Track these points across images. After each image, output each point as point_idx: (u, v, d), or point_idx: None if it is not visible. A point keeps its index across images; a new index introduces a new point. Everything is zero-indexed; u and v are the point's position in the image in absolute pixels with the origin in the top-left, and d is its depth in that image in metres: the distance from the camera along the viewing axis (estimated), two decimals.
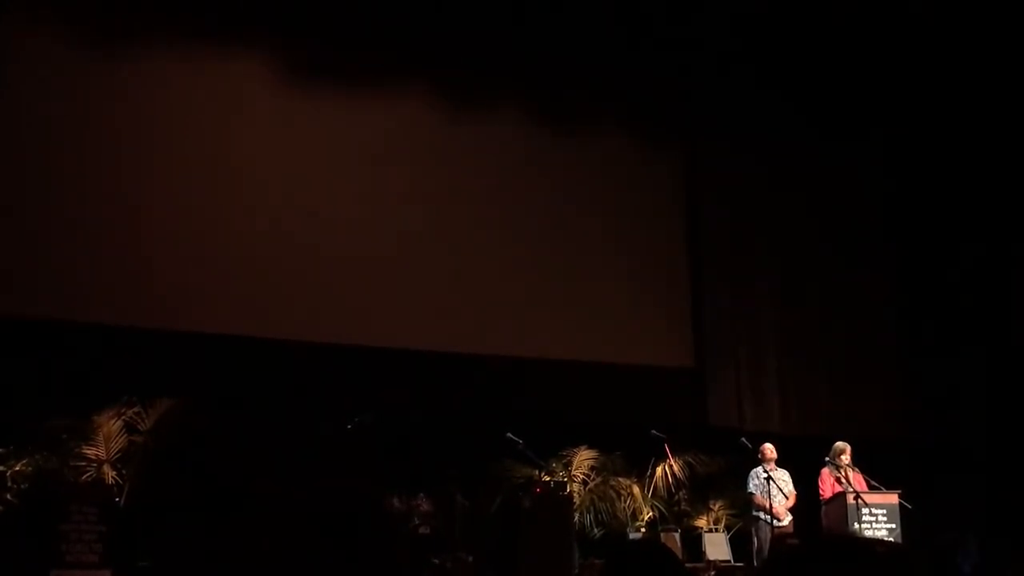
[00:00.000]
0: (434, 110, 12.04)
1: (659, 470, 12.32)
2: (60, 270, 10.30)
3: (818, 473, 10.97)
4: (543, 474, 11.44)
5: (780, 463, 11.12)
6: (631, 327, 12.43)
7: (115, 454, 10.30)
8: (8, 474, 9.77)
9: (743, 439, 11.25)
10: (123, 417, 10.45)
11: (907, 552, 9.05)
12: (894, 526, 10.13)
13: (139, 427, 10.49)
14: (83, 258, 10.39)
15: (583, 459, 12.28)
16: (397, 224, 11.66)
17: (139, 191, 10.67)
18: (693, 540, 11.70)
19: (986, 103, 13.06)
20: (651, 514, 12.25)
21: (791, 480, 11.11)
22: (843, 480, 10.65)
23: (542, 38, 12.33)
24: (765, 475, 10.79)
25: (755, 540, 11.06)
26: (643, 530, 11.90)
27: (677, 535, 11.43)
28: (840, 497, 10.42)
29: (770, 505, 10.67)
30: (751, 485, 11.03)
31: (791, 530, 10.96)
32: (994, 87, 12.94)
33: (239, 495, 10.06)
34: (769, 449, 11.11)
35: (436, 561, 10.22)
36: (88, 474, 10.12)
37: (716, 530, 11.94)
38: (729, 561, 11.15)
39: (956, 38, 12.77)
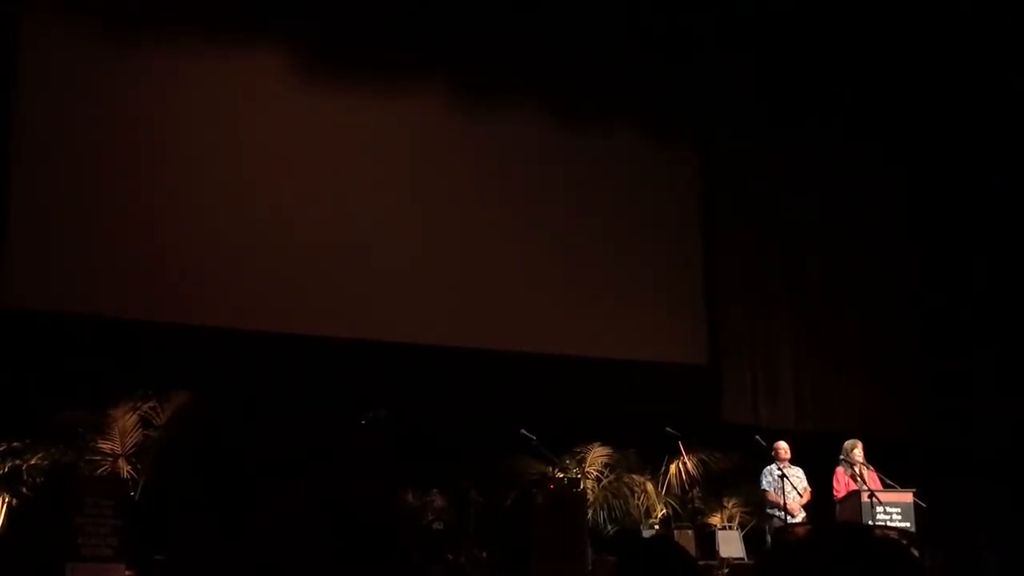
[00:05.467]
0: (451, 107, 12.06)
1: (673, 467, 12.30)
2: (76, 264, 10.36)
3: (833, 472, 10.93)
4: (557, 470, 11.44)
5: (795, 462, 11.08)
6: (646, 324, 12.42)
7: (130, 448, 10.35)
8: (24, 467, 9.82)
9: (757, 436, 11.21)
10: (139, 411, 10.49)
11: (911, 538, 9.04)
12: (909, 524, 10.09)
13: (154, 421, 10.54)
14: (99, 252, 10.45)
15: (597, 456, 12.27)
16: (412, 220, 11.68)
17: (152, 184, 10.72)
18: (707, 538, 11.68)
19: (1009, 102, 12.99)
20: (665, 511, 12.24)
21: (805, 477, 11.07)
22: (858, 478, 10.62)
23: (559, 37, 12.33)
24: (779, 472, 10.76)
25: (769, 537, 11.03)
26: (657, 527, 11.90)
27: (691, 532, 11.42)
28: (854, 495, 10.38)
29: (784, 502, 10.64)
30: (764, 482, 11.00)
31: None
32: (1017, 87, 12.87)
33: (253, 490, 10.09)
34: (783, 448, 11.08)
35: (450, 557, 10.24)
36: (103, 468, 10.17)
37: (730, 528, 11.93)
38: (743, 559, 11.11)
39: (973, 37, 12.72)
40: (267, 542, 9.62)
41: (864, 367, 13.20)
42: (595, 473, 12.26)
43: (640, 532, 11.71)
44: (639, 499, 12.26)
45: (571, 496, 10.77)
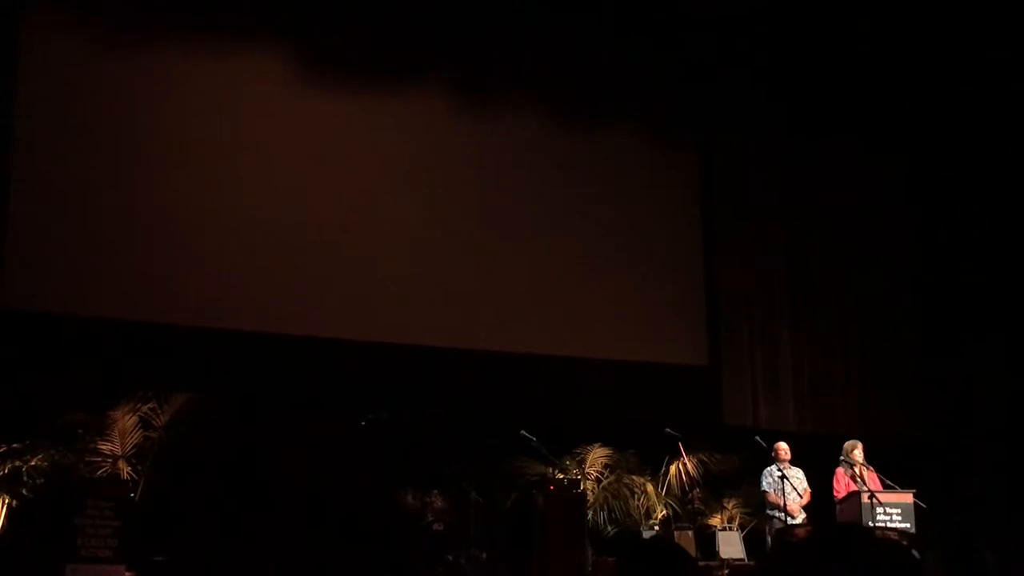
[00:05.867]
0: (449, 109, 12.05)
1: (673, 468, 12.30)
2: (75, 265, 10.35)
3: (833, 472, 10.94)
4: (557, 471, 11.45)
5: (795, 462, 11.09)
6: (646, 325, 12.42)
7: (130, 449, 10.34)
8: (24, 469, 9.82)
9: (757, 437, 11.22)
10: (138, 412, 10.48)
11: (912, 539, 9.04)
12: (908, 525, 10.08)
13: (154, 423, 10.52)
14: (99, 252, 10.44)
15: (597, 457, 12.27)
16: (412, 221, 11.67)
17: (153, 185, 10.71)
18: (707, 539, 11.68)
19: (1011, 103, 12.98)
20: (665, 512, 12.24)
21: (805, 478, 11.07)
22: (858, 479, 10.62)
23: (558, 37, 12.33)
24: (779, 473, 10.76)
25: (769, 539, 11.03)
26: (657, 528, 11.89)
27: (691, 533, 11.41)
28: (854, 496, 10.39)
29: (784, 503, 10.64)
30: (764, 483, 11.00)
31: None
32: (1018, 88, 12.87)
33: (253, 491, 10.10)
34: (783, 449, 11.08)
35: (450, 558, 10.24)
36: (103, 469, 10.16)
37: (730, 528, 11.92)
38: (743, 560, 11.12)
39: (975, 37, 12.71)
40: (267, 543, 9.63)
41: (864, 368, 13.21)
42: (595, 474, 12.26)
43: (640, 533, 11.70)
44: (639, 500, 12.26)
45: (571, 497, 10.76)
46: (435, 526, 10.53)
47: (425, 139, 11.86)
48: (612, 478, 12.29)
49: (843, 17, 12.69)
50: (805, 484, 11.03)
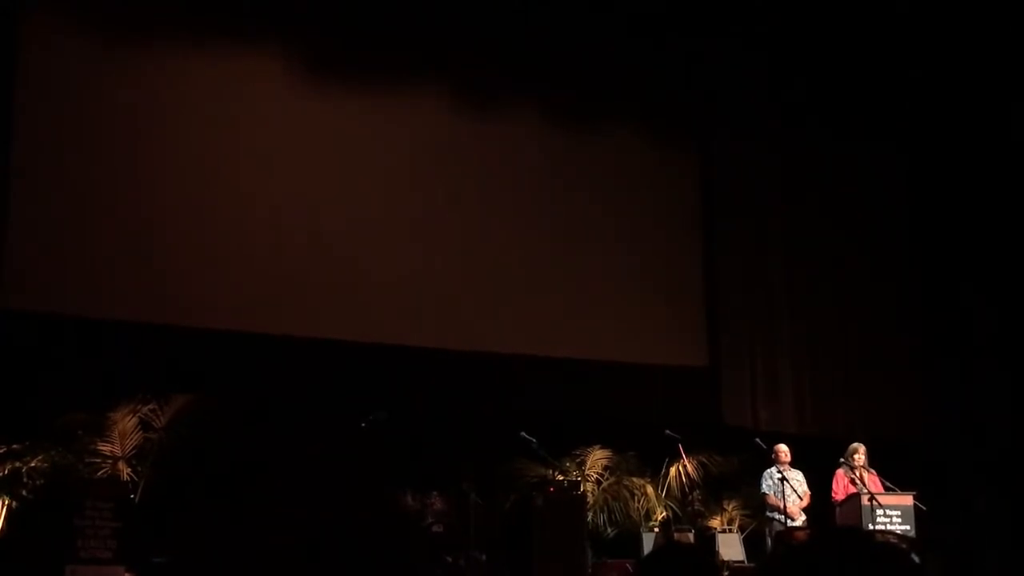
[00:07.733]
0: (449, 110, 12.06)
1: (673, 470, 12.28)
2: (75, 266, 10.35)
3: (832, 474, 10.92)
4: (556, 473, 11.43)
5: (795, 464, 11.08)
6: (645, 326, 12.42)
7: (130, 450, 10.31)
8: (24, 470, 9.80)
9: (757, 439, 11.21)
10: (138, 413, 10.45)
11: (913, 543, 9.03)
12: (909, 527, 10.07)
13: (154, 423, 10.50)
14: (99, 254, 10.45)
15: (597, 458, 12.25)
16: (411, 222, 11.68)
17: (153, 185, 10.72)
18: (707, 540, 11.66)
19: (1010, 101, 12.98)
20: (665, 514, 12.22)
21: (805, 480, 11.06)
22: (857, 481, 10.61)
23: (559, 38, 12.34)
24: (779, 475, 10.75)
25: (769, 541, 11.02)
26: (656, 530, 11.87)
27: (691, 535, 11.40)
28: (854, 498, 10.38)
29: (784, 505, 10.63)
30: (764, 486, 10.99)
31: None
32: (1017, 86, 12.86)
33: (253, 492, 10.09)
34: (783, 451, 11.07)
35: (449, 559, 10.22)
36: (103, 470, 10.14)
37: (730, 530, 11.90)
38: (743, 562, 11.11)
39: (974, 38, 12.71)
40: (266, 545, 9.61)
41: (865, 369, 13.20)
42: (595, 476, 12.24)
43: (642, 536, 11.69)
44: (639, 502, 12.23)
45: (571, 499, 10.74)
46: (434, 527, 10.51)
47: (425, 139, 11.86)
48: (612, 480, 12.27)
49: (842, 16, 12.69)
50: (805, 486, 11.02)
